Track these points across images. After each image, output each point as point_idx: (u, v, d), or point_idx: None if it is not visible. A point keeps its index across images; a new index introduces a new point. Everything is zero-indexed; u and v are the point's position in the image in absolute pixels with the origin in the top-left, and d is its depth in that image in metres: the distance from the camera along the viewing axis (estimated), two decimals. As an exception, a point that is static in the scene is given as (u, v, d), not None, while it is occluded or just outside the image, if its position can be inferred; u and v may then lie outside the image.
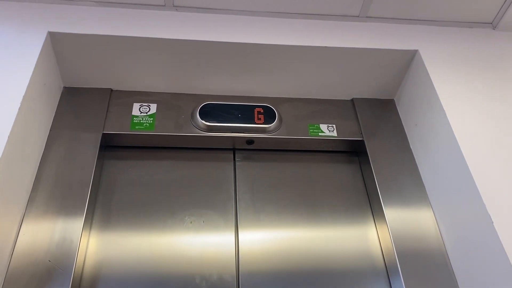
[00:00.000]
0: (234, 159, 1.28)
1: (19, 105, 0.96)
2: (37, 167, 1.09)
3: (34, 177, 1.07)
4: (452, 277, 1.05)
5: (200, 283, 1.04)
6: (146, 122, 1.22)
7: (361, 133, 1.28)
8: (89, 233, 1.09)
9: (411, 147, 1.27)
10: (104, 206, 1.14)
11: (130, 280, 1.03)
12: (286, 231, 1.16)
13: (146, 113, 1.24)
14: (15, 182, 0.97)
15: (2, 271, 0.93)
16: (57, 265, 0.95)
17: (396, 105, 1.37)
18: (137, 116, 1.23)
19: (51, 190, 1.06)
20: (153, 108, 1.26)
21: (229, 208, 1.18)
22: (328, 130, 1.28)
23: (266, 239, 1.14)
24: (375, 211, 1.20)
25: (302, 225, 1.17)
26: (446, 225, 1.10)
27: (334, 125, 1.29)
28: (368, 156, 1.23)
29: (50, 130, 1.16)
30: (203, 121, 1.22)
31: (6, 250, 0.94)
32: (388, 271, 1.11)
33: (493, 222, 0.93)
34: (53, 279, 0.94)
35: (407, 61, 1.26)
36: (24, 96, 0.98)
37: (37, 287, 0.92)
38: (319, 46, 1.20)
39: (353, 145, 1.31)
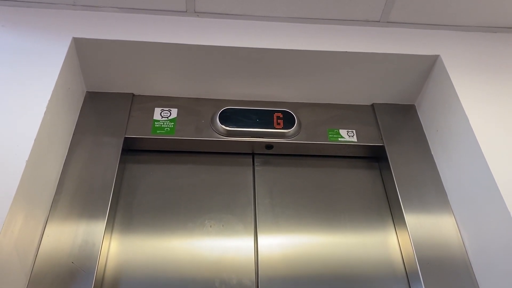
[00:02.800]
0: (253, 164, 1.28)
1: (44, 109, 0.98)
2: (61, 170, 1.11)
3: (58, 180, 1.10)
4: (474, 285, 1.03)
5: (220, 287, 1.04)
6: (167, 127, 1.24)
7: (382, 139, 1.28)
8: (111, 235, 1.10)
9: (432, 153, 1.25)
10: (125, 209, 1.15)
11: (150, 283, 1.04)
12: (305, 236, 1.15)
13: (167, 117, 1.26)
14: (39, 185, 0.99)
15: (27, 272, 0.94)
16: (80, 267, 0.97)
17: (417, 110, 1.36)
18: (158, 121, 1.25)
19: (74, 193, 1.08)
20: (174, 112, 1.27)
21: (248, 212, 1.18)
22: (348, 136, 1.28)
23: (285, 244, 1.14)
24: (396, 217, 1.19)
25: (322, 231, 1.17)
26: (468, 232, 1.09)
27: (354, 131, 1.29)
28: (388, 161, 1.22)
29: (74, 134, 1.19)
30: (223, 126, 1.23)
31: (31, 251, 0.96)
32: (409, 278, 1.09)
33: (518, 230, 0.91)
34: (76, 280, 0.95)
35: (429, 66, 1.25)
36: (49, 100, 1.00)
37: (61, 286, 0.94)
38: (340, 51, 1.20)
39: (373, 151, 1.30)
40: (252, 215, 1.17)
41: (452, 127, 1.16)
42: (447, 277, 1.04)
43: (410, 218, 1.12)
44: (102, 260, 1.02)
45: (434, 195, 1.17)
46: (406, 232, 1.10)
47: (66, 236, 1.01)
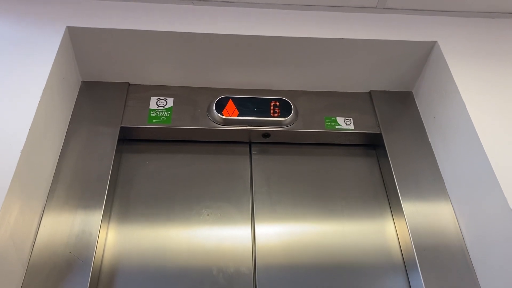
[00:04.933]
0: (250, 152, 1.28)
1: (39, 99, 0.98)
2: (57, 160, 1.11)
3: (54, 170, 1.09)
4: (472, 273, 1.03)
5: (217, 275, 1.05)
6: (163, 116, 1.23)
7: (379, 126, 1.27)
8: (108, 225, 1.10)
9: (429, 140, 1.25)
10: (122, 199, 1.15)
11: (148, 272, 1.04)
12: (302, 224, 1.15)
13: (163, 107, 1.25)
14: (35, 175, 0.99)
15: (24, 262, 0.95)
16: (78, 256, 0.97)
17: (415, 97, 1.35)
18: (154, 110, 1.24)
19: (71, 183, 1.08)
20: (170, 102, 1.27)
21: (246, 201, 1.18)
22: (345, 123, 1.27)
23: (282, 232, 1.14)
24: (393, 205, 1.19)
25: (319, 219, 1.17)
26: (465, 219, 1.09)
27: (351, 118, 1.28)
28: (385, 149, 1.22)
29: (69, 124, 1.18)
30: (219, 115, 1.22)
31: (28, 242, 0.96)
32: (406, 266, 1.10)
33: (514, 216, 0.91)
34: (74, 270, 0.95)
35: (426, 52, 1.24)
36: (44, 90, 1.00)
37: (58, 277, 0.94)
38: (336, 38, 1.19)
39: (370, 138, 1.29)
40: (249, 204, 1.17)
41: (449, 114, 1.15)
42: (444, 265, 1.04)
43: (408, 206, 1.12)
44: (99, 249, 1.02)
45: (432, 182, 1.17)
46: (403, 220, 1.11)
47: (63, 226, 1.01)
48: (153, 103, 1.26)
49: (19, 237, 0.92)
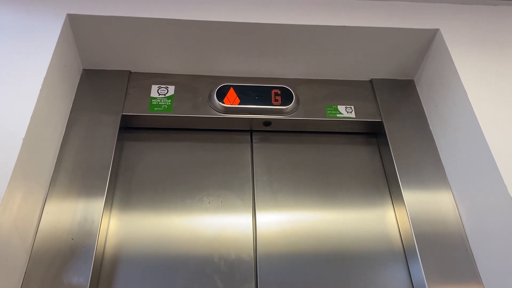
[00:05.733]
0: (252, 141, 1.28)
1: (40, 87, 0.98)
2: (59, 149, 1.11)
3: (56, 158, 1.10)
4: (471, 261, 1.04)
5: (219, 262, 1.06)
6: (165, 104, 1.23)
7: (380, 115, 1.27)
8: (110, 212, 1.11)
9: (430, 128, 1.25)
10: (124, 186, 1.16)
11: (150, 259, 1.05)
12: (303, 212, 1.16)
13: (164, 95, 1.25)
14: (37, 163, 1.00)
15: (27, 249, 0.96)
16: (80, 243, 0.98)
17: (416, 85, 1.35)
18: (155, 98, 1.24)
19: (73, 171, 1.09)
20: (171, 90, 1.27)
21: (247, 189, 1.18)
22: (346, 112, 1.27)
23: (283, 220, 1.14)
24: (393, 193, 1.19)
25: (320, 207, 1.18)
26: (465, 208, 1.09)
27: (352, 107, 1.28)
28: (386, 137, 1.22)
29: (71, 112, 1.18)
30: (220, 103, 1.22)
31: (31, 228, 0.97)
32: (406, 254, 1.11)
33: (514, 204, 0.91)
34: (76, 256, 0.96)
35: (428, 40, 1.23)
36: (45, 78, 1.00)
37: (61, 264, 0.95)
38: (337, 26, 1.18)
39: (371, 127, 1.29)
40: (251, 192, 1.18)
41: (451, 103, 1.15)
42: (444, 253, 1.05)
43: (408, 194, 1.12)
44: (101, 236, 1.03)
45: (432, 170, 1.17)
46: (403, 208, 1.11)
47: (65, 213, 1.02)
48: (154, 91, 1.26)
49: (22, 224, 0.92)
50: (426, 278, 1.00)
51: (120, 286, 1.02)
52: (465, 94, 1.08)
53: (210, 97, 1.25)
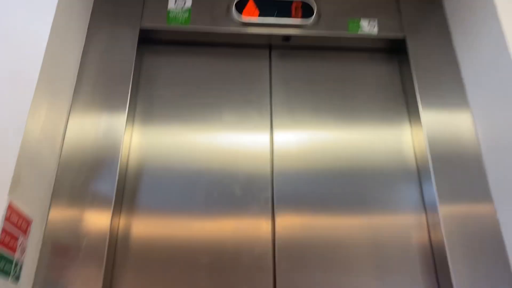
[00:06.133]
0: (270, 57, 1.26)
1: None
2: (79, 61, 1.12)
3: (77, 70, 1.10)
4: (484, 181, 1.05)
5: (237, 173, 1.09)
6: (182, 17, 1.20)
7: (403, 31, 1.23)
8: (133, 125, 1.14)
9: (454, 45, 1.21)
10: (145, 101, 1.17)
11: (170, 171, 1.10)
12: (320, 130, 1.17)
13: (182, 7, 1.22)
14: (60, 75, 1.01)
15: (56, 156, 1.00)
16: (104, 154, 1.02)
17: (443, 1, 1.28)
18: (173, 11, 1.21)
19: (94, 84, 1.10)
20: (189, 2, 1.23)
21: (264, 106, 1.19)
22: (368, 26, 1.23)
23: (300, 137, 1.16)
24: (411, 113, 1.19)
25: (336, 125, 1.18)
26: (484, 127, 1.09)
27: (376, 20, 1.23)
28: (408, 56, 1.19)
29: (89, 23, 1.17)
30: (239, 15, 1.19)
31: (58, 137, 1.01)
32: (420, 173, 1.13)
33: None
34: (102, 165, 1.01)
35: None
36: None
37: (88, 172, 1.00)
38: None
39: (393, 44, 1.26)
40: (268, 109, 1.19)
41: (478, 18, 1.10)
42: (458, 172, 1.06)
43: (426, 114, 1.12)
44: (125, 148, 1.07)
45: (453, 89, 1.16)
46: (420, 128, 1.11)
47: (89, 126, 1.05)
48: (171, 3, 1.22)
49: (50, 132, 0.96)
50: (438, 197, 1.03)
51: (144, 195, 1.07)
52: (494, 8, 1.03)
53: (228, 8, 1.22)
